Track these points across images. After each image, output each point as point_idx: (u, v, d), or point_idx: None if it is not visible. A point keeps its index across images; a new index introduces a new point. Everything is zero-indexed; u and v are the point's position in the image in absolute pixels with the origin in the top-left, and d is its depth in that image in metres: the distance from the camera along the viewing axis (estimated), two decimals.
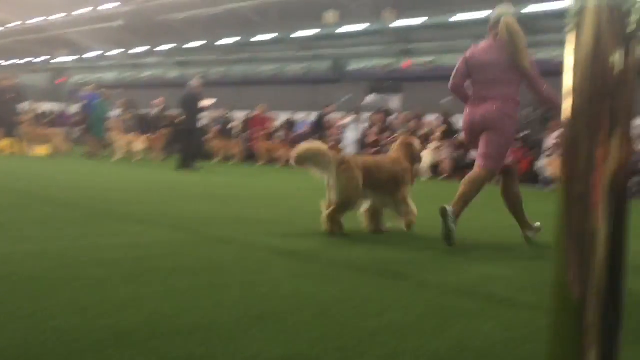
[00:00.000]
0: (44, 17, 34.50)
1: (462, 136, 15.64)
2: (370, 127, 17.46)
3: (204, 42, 29.13)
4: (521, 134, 16.36)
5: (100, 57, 36.84)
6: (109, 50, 35.66)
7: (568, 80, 1.18)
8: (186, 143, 13.32)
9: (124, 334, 2.22)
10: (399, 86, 23.19)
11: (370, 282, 3.25)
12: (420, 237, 5.02)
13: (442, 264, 3.89)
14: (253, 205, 6.79)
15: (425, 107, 19.12)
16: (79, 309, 2.49)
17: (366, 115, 19.11)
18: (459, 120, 17.08)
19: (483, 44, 4.95)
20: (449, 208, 4.51)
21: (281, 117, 20.65)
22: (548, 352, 1.23)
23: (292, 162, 5.06)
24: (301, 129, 18.45)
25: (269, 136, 18.21)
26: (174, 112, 17.82)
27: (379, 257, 3.96)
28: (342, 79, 24.13)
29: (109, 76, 35.39)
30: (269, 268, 3.49)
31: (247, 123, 19.93)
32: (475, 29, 20.61)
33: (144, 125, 18.14)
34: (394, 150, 5.46)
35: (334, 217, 4.86)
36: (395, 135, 16.72)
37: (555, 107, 4.98)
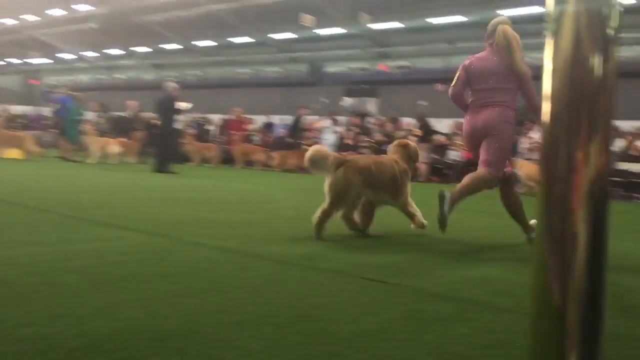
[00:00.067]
0: (16, 18, 33.93)
1: (438, 138, 15.78)
2: (347, 130, 17.50)
3: (181, 44, 28.92)
4: None
5: (75, 59, 36.35)
6: (83, 52, 35.21)
7: (547, 84, 1.18)
8: (162, 146, 13.21)
9: (98, 341, 2.17)
10: (376, 89, 23.29)
11: (348, 287, 3.24)
12: (399, 242, 5.03)
13: (419, 268, 3.89)
14: (230, 209, 6.75)
15: (401, 111, 19.24)
16: (52, 316, 2.44)
17: (343, 118, 19.15)
18: (435, 124, 17.26)
19: (481, 53, 5.09)
20: (447, 193, 4.66)
21: (258, 120, 20.58)
22: (529, 356, 1.23)
23: (305, 165, 5.13)
24: (278, 132, 18.41)
25: (246, 139, 18.14)
26: (149, 114, 17.67)
27: (357, 262, 3.95)
28: (319, 82, 24.15)
29: (84, 78, 34.94)
30: (246, 273, 3.46)
31: (225, 126, 19.84)
32: (451, 33, 20.82)
33: (119, 128, 17.94)
34: (392, 152, 5.51)
35: (322, 219, 4.90)
36: (371, 138, 16.80)
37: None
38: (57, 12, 31.55)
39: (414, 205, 5.33)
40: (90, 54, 35.04)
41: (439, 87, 21.27)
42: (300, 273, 3.54)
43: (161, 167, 12.83)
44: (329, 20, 22.65)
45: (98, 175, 11.44)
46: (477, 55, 5.10)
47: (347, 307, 2.83)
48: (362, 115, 20.48)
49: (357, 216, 5.27)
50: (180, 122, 14.55)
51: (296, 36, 24.72)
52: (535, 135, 13.01)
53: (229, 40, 27.12)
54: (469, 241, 5.29)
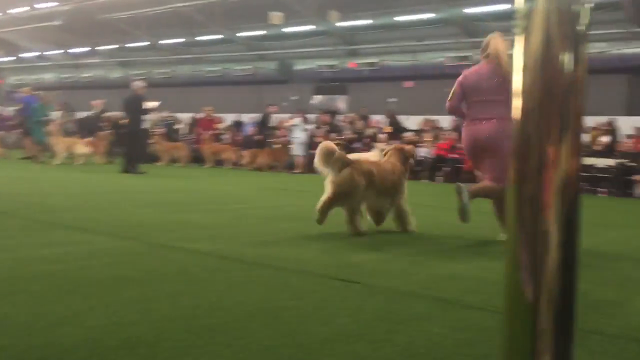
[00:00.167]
0: None
1: (408, 135, 15.88)
2: (317, 127, 17.48)
3: (148, 42, 28.53)
4: None
5: (39, 58, 35.60)
6: (47, 51, 34.49)
7: (518, 81, 1.17)
8: (130, 146, 13.01)
9: (63, 351, 2.11)
10: (345, 87, 23.31)
11: (319, 288, 3.22)
12: (369, 241, 5.03)
13: (390, 267, 3.90)
14: (199, 210, 6.67)
15: (370, 108, 19.29)
16: (14, 326, 2.36)
17: (313, 116, 19.12)
18: (404, 121, 17.34)
19: (476, 66, 5.24)
20: (464, 185, 4.91)
21: (227, 119, 20.42)
22: (502, 355, 1.22)
23: (320, 151, 5.26)
24: (248, 131, 18.30)
25: (216, 138, 17.99)
26: (115, 114, 17.37)
27: (328, 262, 3.94)
28: (289, 80, 24.07)
29: (48, 77, 34.20)
30: (216, 275, 3.42)
31: (194, 125, 19.63)
32: (419, 30, 20.95)
33: (85, 128, 17.62)
34: (389, 155, 5.73)
35: (324, 208, 5.11)
36: (343, 136, 16.80)
37: None
38: (19, 9, 30.86)
39: (408, 209, 5.54)
40: (54, 52, 34.35)
41: (408, 84, 21.40)
42: (271, 275, 3.51)
43: (129, 168, 12.64)
44: (298, 18, 22.57)
45: (63, 176, 11.21)
46: (471, 69, 5.26)
47: (319, 309, 2.81)
48: (332, 112, 20.48)
49: (368, 216, 5.51)
50: (148, 121, 14.35)
51: (265, 34, 24.59)
52: None
53: (197, 38, 26.85)
54: (439, 239, 5.33)
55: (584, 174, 12.10)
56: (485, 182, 5.11)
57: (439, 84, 20.54)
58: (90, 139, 15.84)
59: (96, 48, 31.08)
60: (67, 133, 16.08)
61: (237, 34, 25.44)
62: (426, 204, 7.74)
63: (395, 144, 6.14)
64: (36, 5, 30.02)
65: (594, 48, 16.32)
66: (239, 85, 25.48)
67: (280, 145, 16.79)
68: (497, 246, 4.85)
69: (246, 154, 16.70)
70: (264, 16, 21.43)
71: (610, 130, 14.22)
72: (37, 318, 2.48)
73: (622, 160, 12.72)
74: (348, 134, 17.19)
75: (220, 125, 18.97)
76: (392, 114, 17.21)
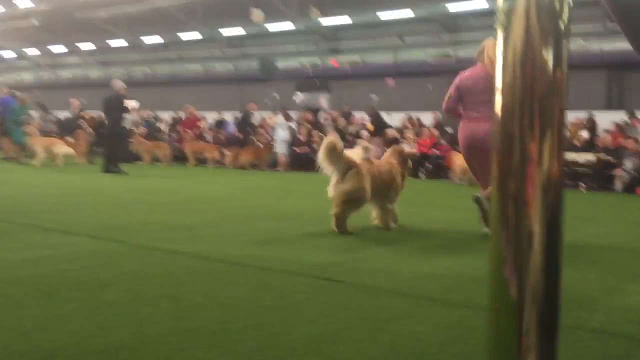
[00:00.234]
0: None
1: (391, 132, 15.92)
2: (300, 125, 17.46)
3: (127, 41, 28.28)
4: (448, 131, 16.80)
5: (17, 57, 35.13)
6: (25, 50, 34.03)
7: (499, 78, 1.17)
8: (111, 146, 12.88)
9: (44, 357, 2.08)
10: (327, 84, 23.32)
11: (303, 288, 3.21)
12: (352, 239, 5.03)
13: (374, 266, 3.90)
14: (182, 210, 6.62)
15: (353, 105, 19.30)
16: None
17: (295, 113, 19.10)
18: (386, 118, 17.37)
19: (471, 69, 5.37)
20: (479, 194, 5.04)
21: (209, 117, 20.31)
22: (487, 352, 1.22)
23: (326, 144, 5.25)
24: (230, 129, 18.21)
25: (198, 137, 17.88)
26: (93, 113, 17.20)
27: (312, 261, 3.93)
28: (271, 78, 24.01)
29: (27, 77, 33.77)
30: (199, 277, 3.40)
31: (176, 124, 19.50)
32: (400, 27, 21.01)
33: (66, 128, 17.41)
34: (388, 157, 5.88)
35: (340, 216, 5.17)
36: (325, 134, 16.80)
37: None
38: None
39: (395, 208, 5.66)
40: (32, 51, 33.91)
41: (390, 81, 21.45)
42: (254, 275, 3.49)
43: (110, 168, 12.51)
44: (279, 16, 22.51)
45: (43, 177, 11.07)
46: (467, 71, 5.39)
47: (303, 309, 2.80)
48: (314, 110, 20.47)
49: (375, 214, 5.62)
50: (128, 120, 14.21)
51: (246, 32, 24.50)
52: None
53: (178, 37, 26.65)
54: (422, 236, 5.34)
55: (564, 168, 12.19)
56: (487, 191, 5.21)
57: (420, 81, 20.71)
58: (67, 139, 15.65)
59: (75, 47, 30.72)
60: (45, 133, 15.85)
61: (218, 32, 25.31)
62: (409, 201, 7.76)
63: (395, 146, 6.37)
64: (14, 2, 29.60)
65: (573, 44, 16.48)
66: (221, 83, 25.37)
67: (262, 144, 16.74)
68: (479, 243, 4.88)
69: (229, 153, 16.63)
70: (246, 14, 21.34)
71: (590, 125, 14.39)
72: (17, 323, 2.44)
73: (602, 155, 12.86)
74: (330, 131, 17.20)
75: (203, 124, 18.86)
76: (374, 111, 17.23)
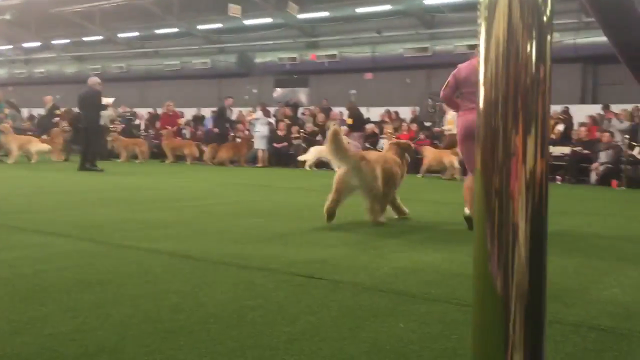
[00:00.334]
0: None
1: (370, 127, 15.94)
2: (279, 121, 17.40)
3: (103, 35, 27.88)
4: (427, 125, 16.88)
5: None
6: None
7: (482, 72, 1.16)
8: (87, 143, 12.71)
9: None
10: (306, 79, 23.26)
11: (284, 285, 3.20)
12: (333, 235, 5.03)
13: (355, 262, 3.90)
14: (160, 208, 6.56)
15: (331, 100, 19.30)
16: None
17: (274, 109, 19.03)
18: (365, 113, 17.38)
19: (468, 61, 5.54)
20: (469, 210, 5.20)
21: (187, 114, 20.14)
22: (473, 347, 1.22)
23: (330, 135, 5.37)
24: (209, 126, 18.08)
25: (176, 133, 17.73)
26: (68, 110, 16.93)
27: (293, 258, 3.91)
28: (249, 73, 23.85)
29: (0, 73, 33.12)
30: (179, 276, 3.36)
31: (154, 120, 19.31)
32: (378, 22, 21.01)
33: (40, 125, 17.13)
34: (387, 150, 6.07)
35: (375, 209, 5.42)
36: (305, 129, 16.78)
37: None
38: None
39: (397, 199, 5.89)
40: (5, 47, 33.27)
41: (368, 76, 21.47)
42: (234, 273, 3.47)
43: (86, 165, 12.35)
44: (257, 10, 22.36)
45: (18, 176, 10.88)
46: (465, 62, 5.56)
47: (283, 307, 2.79)
48: (293, 105, 20.42)
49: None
50: (105, 117, 14.03)
51: (224, 26, 24.29)
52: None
53: (154, 31, 26.35)
54: (402, 231, 5.36)
55: None
56: (468, 197, 5.33)
57: (398, 75, 20.75)
58: (41, 137, 15.41)
59: (49, 42, 30.22)
60: (19, 131, 15.57)
61: (196, 27, 25.08)
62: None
63: (395, 140, 6.70)
64: None
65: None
66: (198, 79, 25.15)
67: (241, 140, 16.66)
68: (459, 237, 4.91)
69: (207, 149, 16.52)
70: (223, 8, 21.15)
71: (565, 118, 14.56)
72: None
73: (577, 148, 13.04)
74: (310, 126, 17.17)
75: (181, 120, 18.71)
76: (353, 105, 17.24)
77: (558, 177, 12.79)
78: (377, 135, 15.78)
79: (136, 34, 27.06)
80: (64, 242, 4.34)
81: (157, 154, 17.25)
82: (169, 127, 17.22)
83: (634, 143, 12.64)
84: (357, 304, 2.88)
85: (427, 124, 17.48)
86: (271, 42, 23.52)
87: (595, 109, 15.42)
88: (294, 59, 22.57)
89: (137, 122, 19.97)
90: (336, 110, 18.27)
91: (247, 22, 23.06)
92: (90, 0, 25.07)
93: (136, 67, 27.07)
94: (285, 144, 16.62)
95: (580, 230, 5.74)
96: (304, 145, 16.17)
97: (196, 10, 24.42)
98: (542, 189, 1.15)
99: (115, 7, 25.28)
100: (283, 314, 2.68)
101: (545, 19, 1.12)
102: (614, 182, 12.14)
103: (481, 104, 1.17)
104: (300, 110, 20.00)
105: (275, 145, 16.51)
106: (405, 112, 17.65)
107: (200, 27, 25.05)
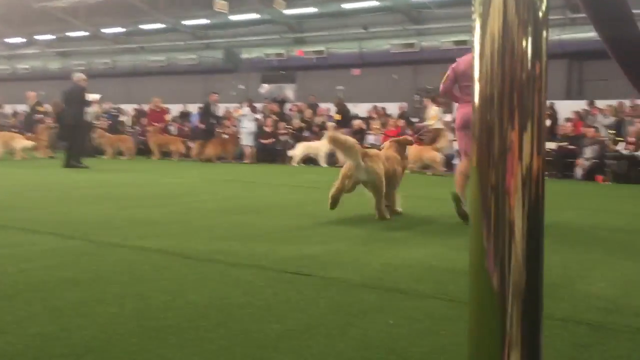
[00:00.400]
0: None
1: (357, 123, 15.94)
2: (266, 117, 17.34)
3: (87, 31, 27.61)
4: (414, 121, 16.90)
5: None
6: None
7: (477, 67, 1.15)
8: (72, 140, 12.58)
9: None
10: (293, 75, 23.19)
11: (272, 283, 3.18)
12: (321, 232, 5.02)
13: (343, 258, 3.89)
14: (147, 205, 6.51)
15: (318, 96, 19.25)
16: None
17: (261, 105, 18.96)
18: (352, 109, 17.37)
19: (466, 56, 5.67)
20: (459, 193, 5.44)
21: (173, 110, 20.01)
22: (470, 344, 1.21)
23: (328, 141, 5.69)
24: (195, 122, 17.97)
25: (163, 130, 17.61)
26: (57, 102, 16.74)
27: (281, 255, 3.90)
28: (236, 69, 23.74)
29: None
30: (166, 274, 3.33)
31: (140, 116, 19.16)
32: (365, 17, 21.00)
33: (27, 121, 16.94)
34: (388, 148, 6.21)
35: (381, 204, 5.57)
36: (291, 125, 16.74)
37: None
38: None
39: (398, 195, 6.04)
40: None
41: (356, 72, 21.44)
42: (223, 271, 3.45)
43: (72, 162, 12.24)
44: (244, 5, 22.26)
45: (2, 173, 10.76)
46: (463, 57, 5.72)
47: (272, 304, 2.78)
48: (280, 101, 20.35)
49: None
50: (90, 113, 13.91)
51: (210, 22, 24.14)
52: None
53: (140, 27, 26.13)
54: (390, 227, 5.36)
55: None
56: (458, 183, 5.58)
57: (385, 71, 20.75)
58: (29, 134, 15.26)
59: (33, 38, 29.89)
60: (2, 128, 15.40)
61: (182, 22, 24.91)
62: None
63: (395, 137, 6.96)
64: None
65: None
66: (184, 75, 24.99)
67: (228, 136, 16.59)
68: (445, 232, 4.92)
69: (194, 145, 16.44)
70: (209, 4, 21.03)
71: (551, 114, 14.64)
72: None
73: (562, 143, 13.13)
74: (297, 122, 17.14)
75: (167, 117, 18.60)
76: (341, 101, 17.22)
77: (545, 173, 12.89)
78: (364, 131, 15.78)
79: (121, 29, 26.84)
80: (49, 240, 4.29)
81: (144, 151, 17.13)
82: (156, 124, 17.10)
83: (618, 138, 12.75)
84: (346, 300, 2.87)
85: (414, 119, 17.51)
86: (258, 38, 23.42)
87: (581, 105, 15.51)
88: (281, 54, 22.50)
89: (122, 118, 19.81)
90: (323, 106, 18.24)
91: (234, 17, 22.95)
92: None
93: (121, 63, 26.86)
94: (272, 140, 16.57)
95: (566, 225, 5.78)
96: (291, 141, 16.13)
97: (182, 6, 24.28)
98: (539, 186, 1.14)
99: (100, 2, 25.06)
100: (272, 311, 2.67)
101: (540, 14, 1.11)
102: (599, 177, 12.24)
103: (476, 100, 1.15)
104: (288, 106, 19.93)
105: (262, 141, 16.46)
106: (393, 108, 17.65)
107: (186, 22, 24.89)
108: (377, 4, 20.25)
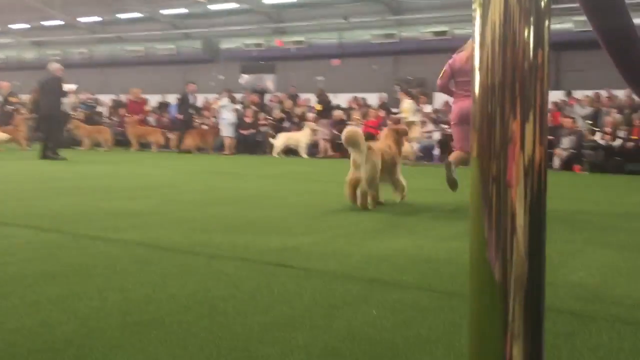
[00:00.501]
0: None
1: (338, 113, 15.93)
2: (246, 107, 17.25)
3: (63, 20, 27.18)
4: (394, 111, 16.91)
5: None
6: None
7: (478, 57, 1.14)
8: (48, 131, 12.40)
9: None
10: (273, 66, 23.09)
11: (255, 275, 3.16)
12: (302, 223, 5.00)
13: (326, 249, 3.88)
14: (126, 197, 6.43)
15: (299, 87, 19.20)
16: None
17: (241, 95, 18.85)
18: (332, 99, 17.36)
19: (462, 52, 5.90)
20: (453, 161, 5.80)
21: (152, 100, 19.81)
22: (470, 337, 1.20)
23: (343, 142, 5.78)
24: (174, 112, 17.81)
25: (142, 120, 17.43)
26: (27, 97, 16.48)
27: (263, 246, 3.88)
28: (215, 59, 23.56)
29: None
30: (147, 267, 3.29)
31: (118, 107, 18.93)
32: (345, 8, 20.95)
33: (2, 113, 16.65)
34: (384, 137, 6.36)
35: (365, 193, 5.67)
36: (272, 116, 16.67)
37: None
38: None
39: (403, 181, 6.23)
40: None
41: (335, 62, 21.41)
42: (205, 263, 3.42)
43: (48, 154, 12.06)
44: None
45: None
46: (459, 53, 5.92)
47: (256, 296, 2.76)
48: (260, 92, 20.26)
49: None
50: (66, 104, 13.70)
51: (189, 11, 23.91)
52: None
53: (117, 16, 25.79)
54: (370, 218, 5.37)
55: None
56: (454, 156, 5.93)
57: (365, 62, 20.75)
58: (2, 125, 14.99)
59: (7, 27, 29.32)
60: None
61: (160, 12, 24.61)
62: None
63: (391, 126, 7.21)
64: None
65: None
66: (163, 65, 24.75)
67: (208, 127, 16.48)
68: (426, 222, 4.94)
69: (173, 136, 16.31)
70: None
71: None
72: None
73: None
74: (277, 113, 17.07)
75: (146, 107, 18.41)
76: (321, 92, 17.19)
77: None
78: (344, 121, 15.78)
79: (98, 18, 26.46)
80: (27, 233, 4.21)
81: (122, 142, 16.95)
82: (135, 115, 16.91)
83: (595, 128, 12.91)
84: (329, 291, 2.87)
85: (395, 110, 17.55)
86: (237, 28, 23.26)
87: (558, 95, 15.68)
88: (260, 45, 22.37)
89: (99, 109, 19.57)
90: (303, 96, 18.20)
91: (212, 7, 22.76)
92: None
93: (98, 52, 26.49)
94: (252, 131, 16.49)
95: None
96: (271, 132, 16.07)
97: None
98: (541, 176, 1.13)
99: None
100: (255, 303, 2.65)
101: (543, 2, 1.10)
102: (577, 167, 12.40)
103: (477, 90, 1.14)
104: (268, 96, 19.85)
105: (242, 132, 16.38)
106: (373, 99, 17.67)
107: (164, 12, 24.62)
108: None
